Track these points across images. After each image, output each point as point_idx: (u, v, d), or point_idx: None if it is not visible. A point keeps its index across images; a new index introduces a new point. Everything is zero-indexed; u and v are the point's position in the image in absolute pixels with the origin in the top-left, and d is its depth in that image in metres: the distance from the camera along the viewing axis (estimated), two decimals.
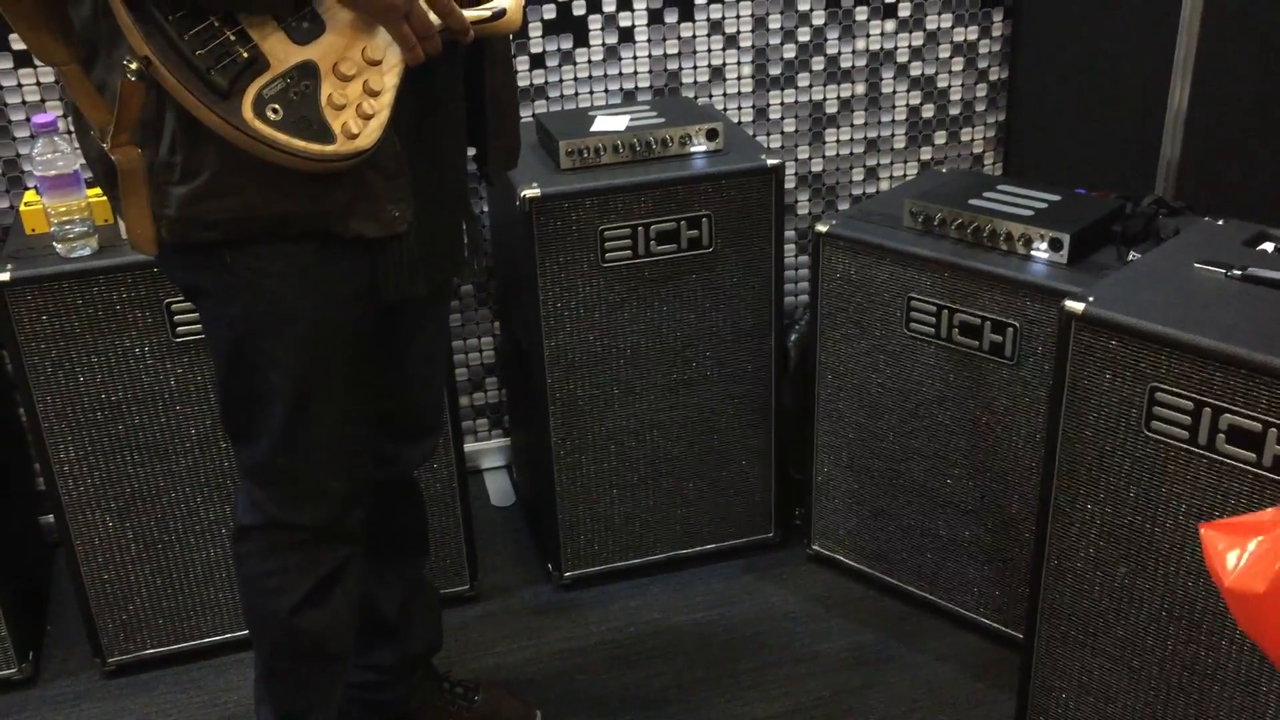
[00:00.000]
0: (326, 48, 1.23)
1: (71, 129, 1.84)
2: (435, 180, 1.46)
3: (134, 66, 1.17)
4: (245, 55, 1.19)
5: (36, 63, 2.15)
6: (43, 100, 2.18)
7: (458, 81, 1.46)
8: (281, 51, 1.21)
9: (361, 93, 1.25)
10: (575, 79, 2.44)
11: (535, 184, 2.01)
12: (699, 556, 2.34)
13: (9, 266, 1.85)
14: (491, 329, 2.59)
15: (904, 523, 2.17)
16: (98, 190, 1.94)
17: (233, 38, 1.19)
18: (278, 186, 1.29)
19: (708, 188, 2.07)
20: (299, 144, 1.21)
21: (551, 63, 2.41)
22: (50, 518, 2.38)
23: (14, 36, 2.12)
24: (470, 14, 1.32)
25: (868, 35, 2.52)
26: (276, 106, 1.20)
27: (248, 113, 1.19)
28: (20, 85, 2.16)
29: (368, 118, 1.25)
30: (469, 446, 2.61)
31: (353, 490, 1.57)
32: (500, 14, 1.35)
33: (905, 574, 2.21)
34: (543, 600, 2.29)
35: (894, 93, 2.58)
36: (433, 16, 1.28)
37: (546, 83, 2.42)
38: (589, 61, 2.43)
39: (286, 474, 1.52)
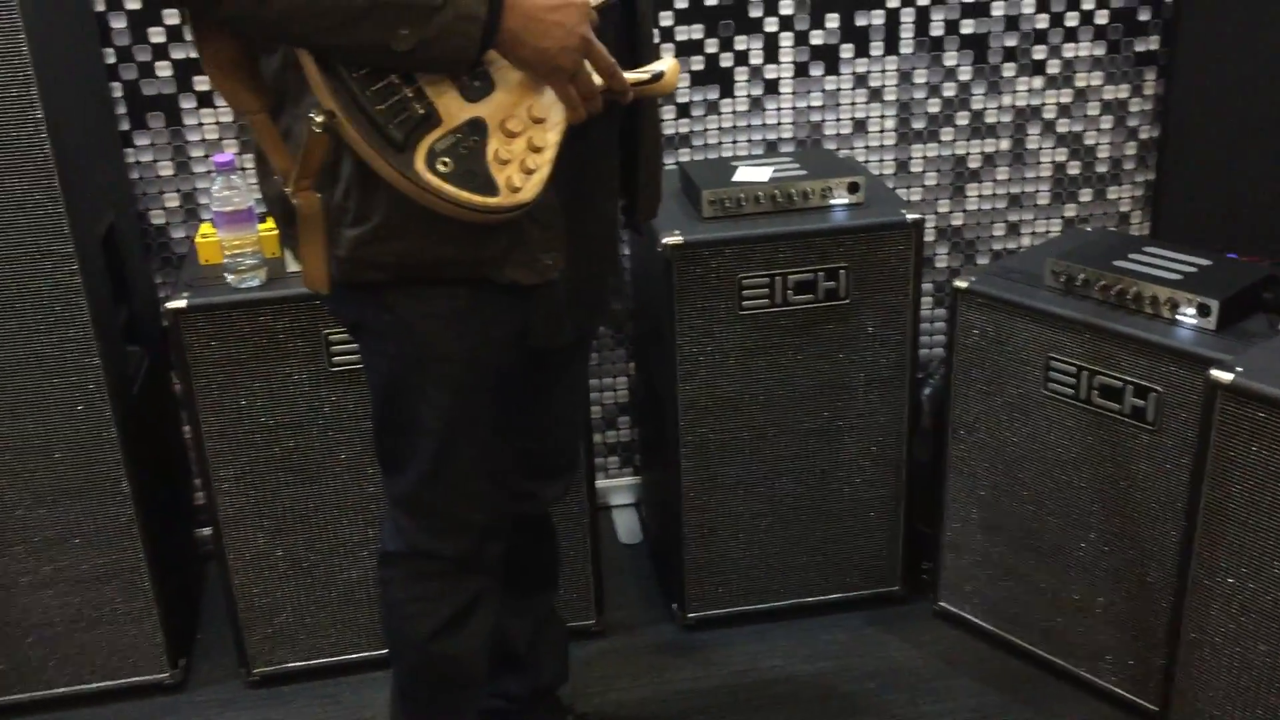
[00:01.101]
0: (495, 106, 1.31)
1: (248, 168, 1.96)
2: (587, 232, 1.52)
3: (320, 119, 1.26)
4: (421, 111, 1.27)
5: (216, 104, 2.29)
6: (220, 139, 2.33)
7: (614, 137, 1.52)
8: (454, 108, 1.29)
9: (526, 149, 1.31)
10: (719, 129, 2.49)
11: (677, 231, 2.06)
12: (822, 605, 2.35)
13: (185, 295, 1.98)
14: (626, 369, 2.65)
15: (1035, 584, 2.14)
16: (267, 225, 2.07)
17: (410, 94, 1.27)
18: (440, 233, 1.37)
19: (847, 240, 2.09)
20: (465, 196, 1.28)
21: (697, 112, 2.47)
22: (204, 530, 2.52)
23: (199, 79, 2.27)
24: (631, 76, 1.38)
25: (1014, 91, 2.52)
26: (447, 160, 1.28)
27: (420, 165, 1.26)
28: (201, 124, 2.31)
29: (530, 173, 1.31)
30: (599, 483, 2.66)
31: (491, 524, 1.64)
32: (659, 76, 1.41)
33: (1034, 636, 2.18)
34: (666, 639, 2.32)
35: (1039, 149, 2.57)
36: (596, 78, 1.34)
37: (691, 132, 2.48)
38: (733, 112, 2.48)
39: (431, 505, 1.59)
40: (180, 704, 2.20)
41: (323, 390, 2.05)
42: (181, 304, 1.97)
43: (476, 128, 1.30)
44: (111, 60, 2.23)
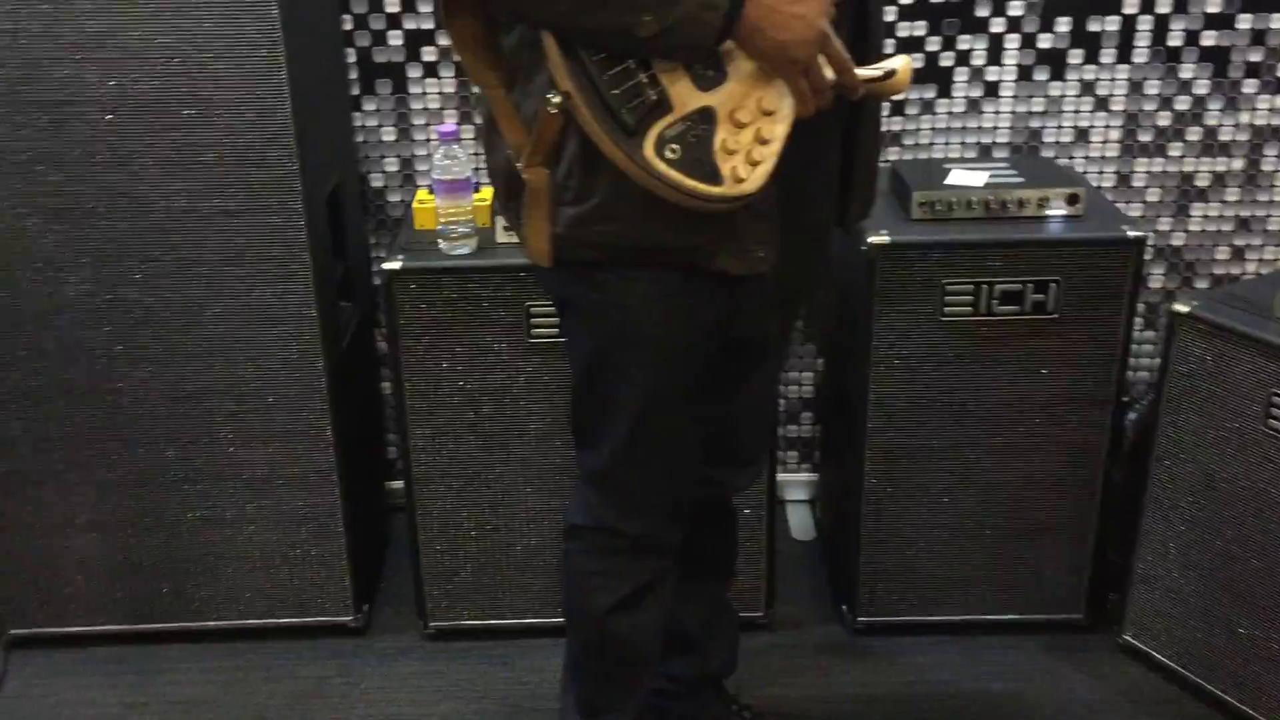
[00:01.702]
0: (726, 96, 1.31)
1: (467, 139, 2.01)
2: (801, 228, 1.51)
3: (556, 100, 1.29)
4: (654, 97, 1.28)
5: (441, 74, 2.37)
6: (442, 109, 2.40)
7: (837, 135, 1.50)
8: (686, 96, 1.29)
9: (753, 140, 1.31)
10: (933, 129, 2.44)
11: (884, 231, 2.03)
12: (999, 625, 2.28)
13: (400, 257, 2.06)
14: (814, 365, 2.63)
15: (1232, 628, 2.03)
16: (482, 195, 2.13)
17: (645, 80, 1.28)
18: (656, 218, 1.38)
19: (1062, 253, 2.02)
20: (690, 183, 1.29)
21: (911, 111, 2.42)
22: (393, 484, 2.63)
23: (427, 49, 2.35)
24: (862, 73, 1.36)
25: (1254, 109, 2.38)
26: (675, 147, 1.29)
27: (649, 151, 1.28)
28: (425, 94, 2.39)
29: (755, 164, 1.31)
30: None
31: (676, 507, 1.65)
32: (890, 75, 1.38)
33: (1225, 682, 2.07)
34: (834, 640, 2.30)
35: (1275, 171, 2.43)
36: (829, 73, 1.33)
37: (903, 130, 2.43)
38: (949, 113, 2.42)
39: (620, 483, 1.61)
40: (360, 648, 2.30)
41: (521, 360, 2.10)
42: (396, 265, 2.04)
43: (706, 116, 1.30)
44: (349, 27, 2.33)
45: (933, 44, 2.37)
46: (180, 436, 2.14)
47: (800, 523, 2.68)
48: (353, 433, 2.27)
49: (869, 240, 2.01)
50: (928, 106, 2.42)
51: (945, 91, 2.40)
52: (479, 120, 2.41)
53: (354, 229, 2.38)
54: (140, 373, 2.08)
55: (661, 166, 1.28)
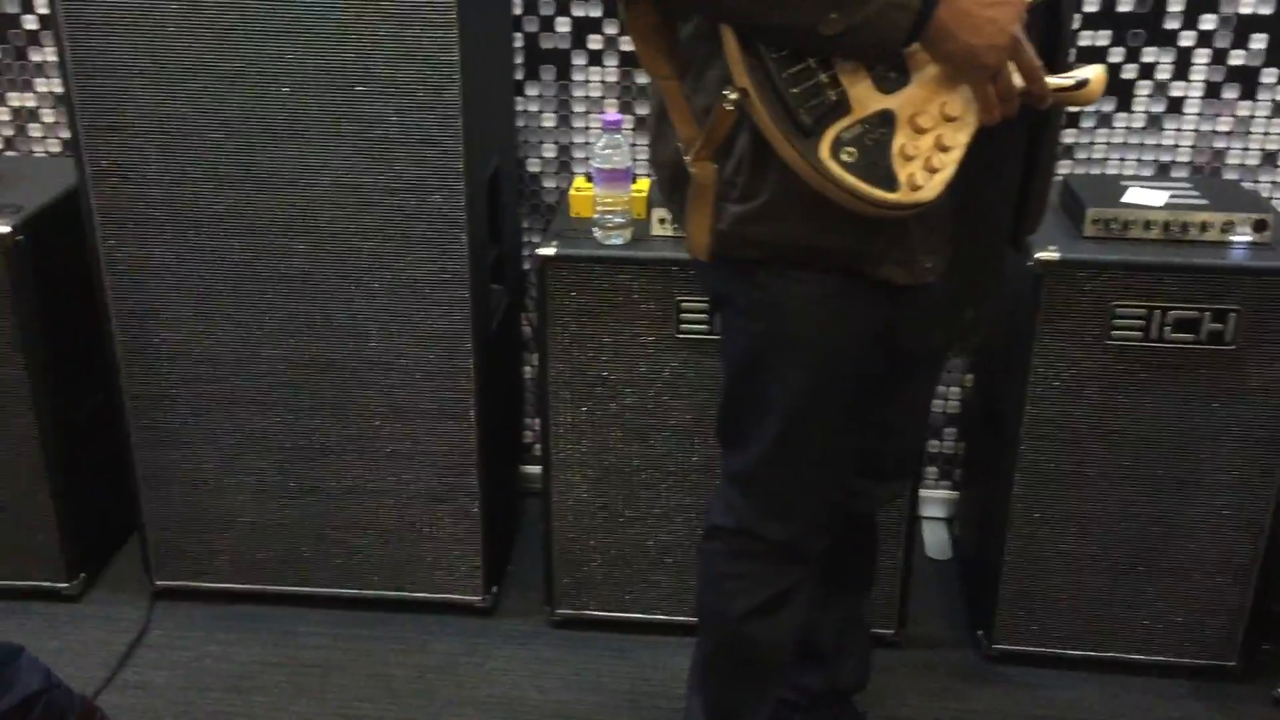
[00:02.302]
0: (907, 99, 1.26)
1: (627, 129, 1.99)
2: (974, 240, 1.46)
3: (733, 96, 1.26)
4: (833, 98, 1.25)
5: (604, 63, 2.37)
6: (603, 98, 2.40)
7: (1019, 145, 1.44)
8: (866, 98, 1.26)
9: (932, 147, 1.27)
10: (1108, 144, 2.34)
11: (1053, 247, 1.95)
12: (1144, 666, 2.18)
13: (554, 243, 2.06)
14: (961, 380, 2.55)
15: None
16: (639, 186, 2.12)
17: (825, 80, 1.25)
18: (823, 221, 1.35)
19: (1244, 282, 1.91)
20: (865, 188, 1.25)
21: (1086, 123, 2.32)
22: (527, 468, 2.65)
23: (593, 37, 2.34)
24: (1053, 81, 1.30)
25: None
26: (852, 150, 1.25)
27: (824, 152, 1.24)
28: (588, 81, 2.39)
29: (934, 172, 1.27)
30: None
31: (821, 516, 1.62)
32: (1082, 84, 1.32)
33: None
34: (967, 665, 2.23)
35: None
36: (1017, 80, 1.28)
37: (1076, 144, 2.34)
38: (1127, 128, 2.32)
39: (766, 487, 1.58)
40: (487, 628, 2.32)
41: (667, 354, 2.09)
42: (550, 251, 2.05)
43: (885, 120, 1.26)
44: (518, 12, 2.34)
45: (1115, 55, 2.27)
46: (330, 406, 2.18)
47: (936, 540, 2.61)
48: (495, 415, 2.29)
49: (1037, 256, 1.94)
50: (1105, 120, 2.32)
51: (1125, 105, 2.30)
52: (640, 111, 2.40)
53: (509, 213, 2.40)
54: (298, 340, 2.13)
55: (836, 169, 1.24)
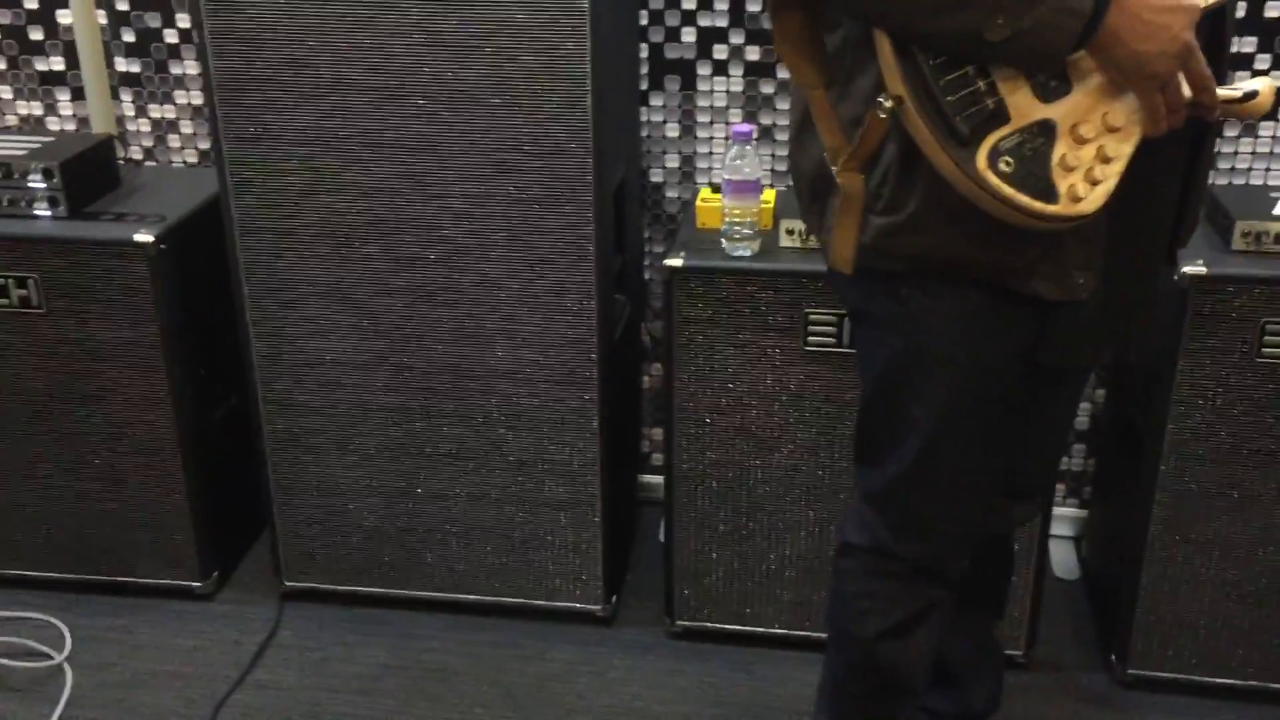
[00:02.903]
0: (1069, 108, 1.23)
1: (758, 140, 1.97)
2: (1129, 254, 1.41)
3: (888, 104, 1.24)
4: (991, 106, 1.22)
5: (730, 73, 2.36)
6: (727, 107, 2.39)
7: (1180, 157, 1.39)
8: (1025, 107, 1.22)
9: (1094, 158, 1.23)
10: (1253, 153, 2.26)
11: (1200, 261, 1.88)
12: None
13: (681, 254, 2.05)
14: (1092, 396, 2.48)
15: None
16: (767, 197, 2.10)
17: (982, 88, 1.22)
18: (971, 233, 1.32)
19: None
20: (1023, 199, 1.22)
21: (1230, 132, 2.24)
22: (645, 477, 2.64)
23: (719, 47, 2.33)
24: (1222, 93, 1.26)
25: None
26: (1009, 160, 1.22)
27: (981, 162, 1.22)
28: (713, 91, 2.38)
29: (1095, 183, 1.23)
30: None
31: (960, 535, 1.58)
32: (1251, 96, 1.28)
33: None
34: (1098, 690, 2.16)
35: None
36: (1186, 90, 1.23)
37: (1219, 152, 2.26)
38: (1273, 137, 2.23)
39: (904, 505, 1.55)
40: (607, 637, 2.32)
41: (794, 367, 2.06)
42: (678, 263, 2.04)
43: (1045, 129, 1.23)
44: (644, 22, 2.34)
45: (1261, 61, 2.18)
46: (458, 414, 2.20)
47: (1064, 561, 2.53)
48: (617, 424, 2.29)
49: (1184, 270, 1.87)
50: (1250, 129, 2.23)
51: (1271, 113, 2.21)
52: (765, 120, 2.38)
53: (633, 223, 2.40)
54: (426, 348, 2.16)
55: (994, 180, 1.21)
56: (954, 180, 1.24)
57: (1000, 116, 1.22)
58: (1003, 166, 1.22)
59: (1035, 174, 1.22)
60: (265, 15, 1.94)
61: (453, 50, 1.93)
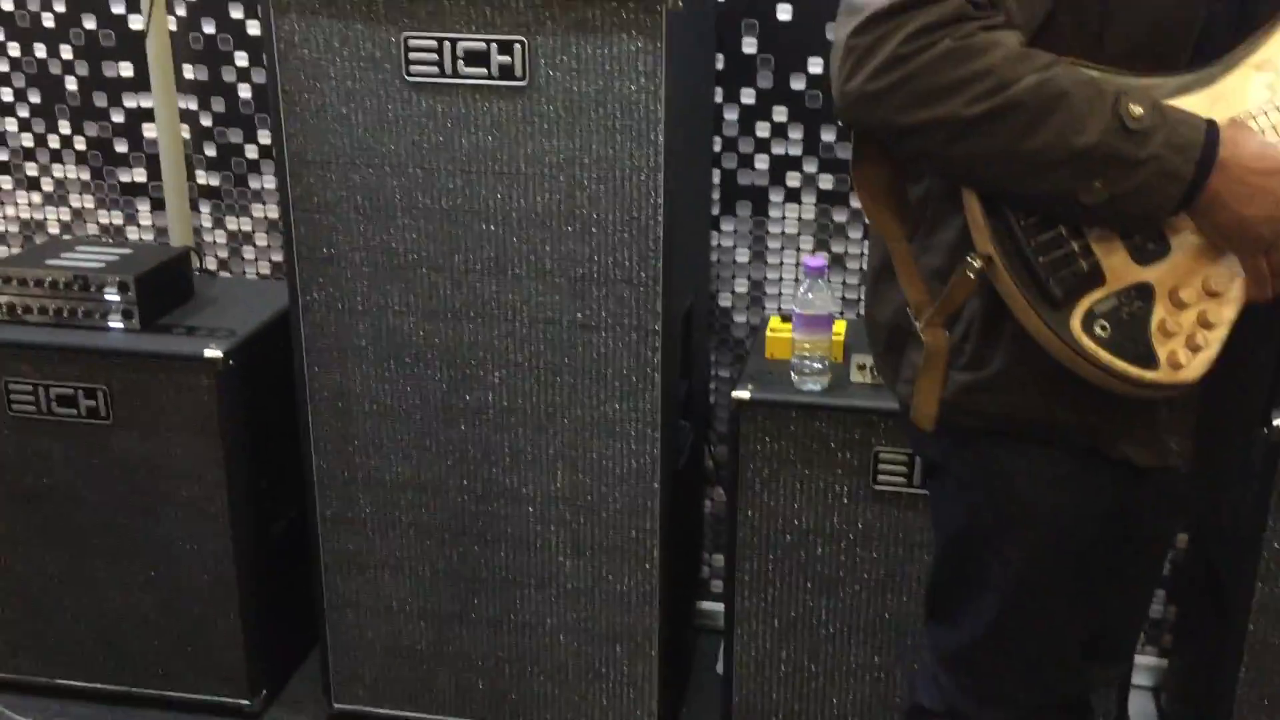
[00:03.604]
0: (1167, 271, 1.19)
1: (834, 279, 1.95)
2: (1223, 417, 1.35)
3: (976, 264, 1.20)
4: (1085, 268, 1.18)
5: (802, 199, 2.34)
6: (799, 234, 2.37)
7: (1277, 318, 1.34)
8: (1121, 269, 1.18)
9: (1195, 323, 1.18)
10: None
11: None
12: None
13: (749, 386, 2.01)
14: (1173, 540, 2.38)
15: None
16: (838, 329, 2.07)
17: (1076, 249, 1.18)
18: (1058, 394, 1.27)
19: None
20: (1121, 366, 1.17)
21: None
22: (703, 603, 2.58)
23: (791, 174, 2.32)
24: None
25: None
26: (1105, 324, 1.17)
27: (1076, 326, 1.17)
28: (784, 218, 2.36)
29: (1197, 350, 1.18)
30: None
31: (1041, 702, 1.50)
32: None
33: None
34: None
35: None
36: None
37: None
38: None
39: (980, 668, 1.48)
40: None
41: (862, 505, 2.01)
42: (745, 395, 2.00)
43: (1143, 292, 1.18)
44: (717, 149, 2.34)
45: None
46: (515, 539, 2.16)
47: (1142, 711, 2.41)
48: (677, 553, 2.23)
49: (1275, 423, 1.79)
50: None
51: None
52: (836, 248, 2.35)
53: (700, 347, 2.37)
54: (486, 472, 2.13)
55: (1089, 345, 1.17)
56: (1046, 344, 1.19)
57: (1095, 279, 1.18)
58: (1098, 331, 1.17)
59: (1133, 339, 1.17)
60: (342, 138, 1.96)
61: (525, 176, 1.93)
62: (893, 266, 1.38)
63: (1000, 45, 1.12)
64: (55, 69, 2.45)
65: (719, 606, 2.16)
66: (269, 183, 2.46)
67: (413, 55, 1.89)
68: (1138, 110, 1.11)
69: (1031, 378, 1.27)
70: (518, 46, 1.86)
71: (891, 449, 1.96)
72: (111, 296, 2.14)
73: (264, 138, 2.43)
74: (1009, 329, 1.25)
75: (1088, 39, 1.21)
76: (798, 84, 2.27)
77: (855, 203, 2.32)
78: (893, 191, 1.34)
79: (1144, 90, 1.14)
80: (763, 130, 2.32)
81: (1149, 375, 1.17)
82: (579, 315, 2.01)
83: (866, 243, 2.34)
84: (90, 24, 2.42)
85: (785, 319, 2.17)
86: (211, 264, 2.55)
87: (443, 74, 1.89)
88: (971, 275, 1.21)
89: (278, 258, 2.50)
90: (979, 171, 1.18)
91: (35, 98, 2.48)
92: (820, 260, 1.98)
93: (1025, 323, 1.19)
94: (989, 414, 1.33)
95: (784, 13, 2.23)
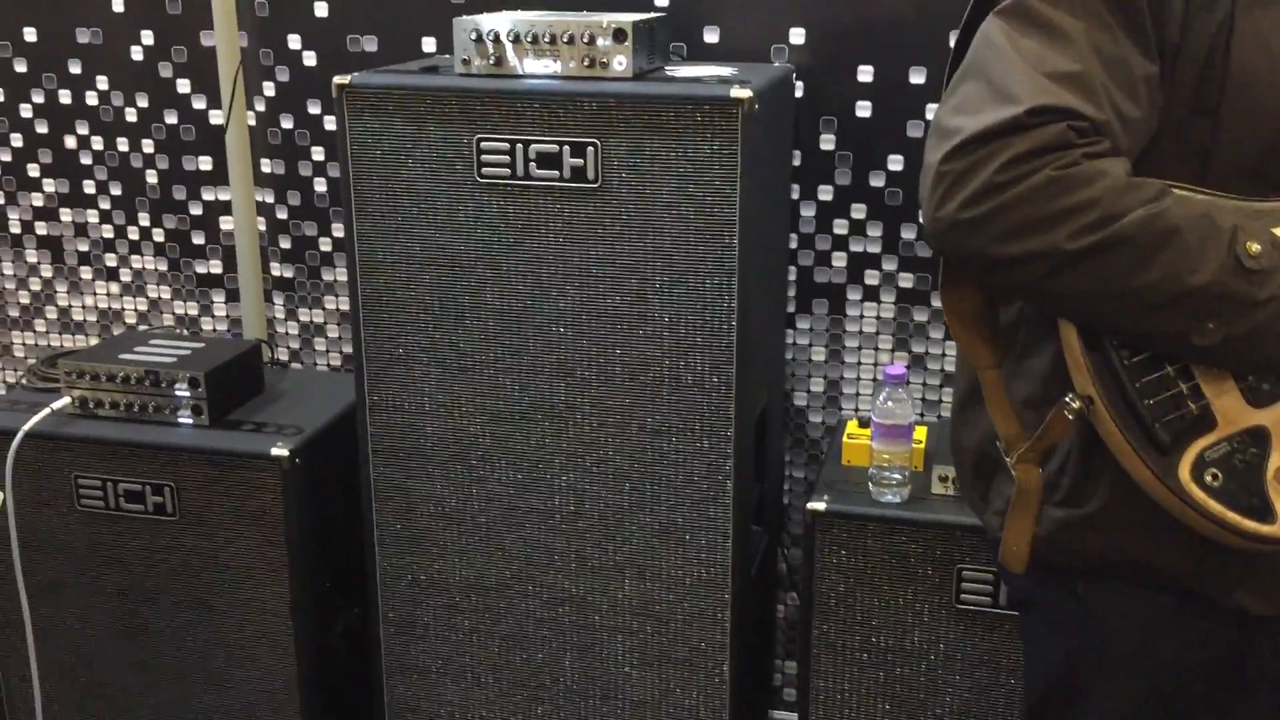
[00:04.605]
0: None
1: (913, 382, 1.87)
2: None
3: (1076, 405, 1.12)
4: (1195, 411, 1.10)
5: (881, 298, 2.27)
6: (877, 333, 2.30)
7: None
8: (1233, 412, 1.10)
9: None
10: None
11: None
12: None
13: (825, 497, 1.94)
14: None
15: None
16: (918, 437, 1.98)
17: (1185, 391, 1.10)
18: (1164, 538, 1.18)
19: None
20: (1233, 518, 1.08)
21: None
22: (776, 714, 2.48)
23: (870, 272, 2.26)
24: None
25: None
26: (1216, 472, 1.09)
27: (1184, 474, 1.09)
28: (862, 316, 2.30)
29: None
30: None
31: None
32: None
33: None
34: None
35: None
36: None
37: None
38: None
39: None
40: None
41: (943, 625, 1.91)
42: (821, 506, 1.92)
43: (1257, 438, 1.10)
44: (794, 245, 2.28)
45: None
46: (580, 648, 2.09)
47: None
48: (748, 664, 2.14)
49: None
50: None
51: None
52: (915, 348, 2.28)
53: (773, 450, 2.30)
54: (551, 577, 2.07)
55: (1199, 494, 1.08)
56: (1151, 491, 1.11)
57: (1206, 423, 1.10)
58: (1209, 480, 1.09)
59: (1247, 488, 1.09)
60: (413, 238, 1.94)
61: (596, 277, 1.89)
62: (980, 392, 1.31)
63: (1106, 175, 1.05)
64: (137, 162, 2.48)
65: (792, 716, 2.06)
66: (341, 275, 2.46)
67: (485, 157, 1.87)
68: (1255, 248, 1.04)
69: (1134, 517, 1.19)
70: (590, 149, 1.83)
71: (975, 566, 1.86)
72: (182, 392, 2.13)
73: (338, 230, 2.43)
74: (1109, 464, 1.17)
75: (1193, 161, 1.14)
76: (877, 181, 2.21)
77: (936, 302, 2.24)
78: (983, 317, 1.27)
79: (1260, 223, 1.07)
80: (840, 227, 2.26)
81: (1265, 529, 1.08)
82: (649, 419, 1.96)
83: (948, 343, 2.27)
84: (171, 119, 2.45)
85: (863, 424, 2.09)
86: (284, 354, 2.55)
87: (514, 176, 1.87)
88: (1070, 416, 1.13)
89: (349, 349, 2.49)
90: (1081, 308, 1.10)
91: (117, 190, 2.51)
92: (901, 368, 1.91)
93: (1128, 466, 1.11)
94: (1087, 553, 1.25)
95: (863, 109, 2.18)
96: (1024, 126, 1.06)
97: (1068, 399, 1.13)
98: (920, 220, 2.13)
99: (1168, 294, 1.04)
